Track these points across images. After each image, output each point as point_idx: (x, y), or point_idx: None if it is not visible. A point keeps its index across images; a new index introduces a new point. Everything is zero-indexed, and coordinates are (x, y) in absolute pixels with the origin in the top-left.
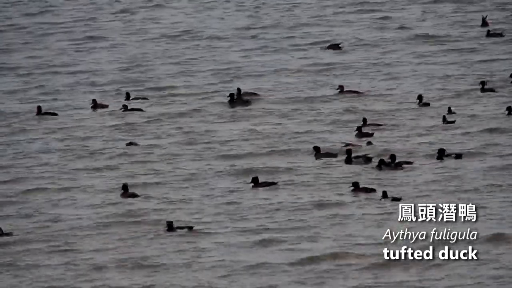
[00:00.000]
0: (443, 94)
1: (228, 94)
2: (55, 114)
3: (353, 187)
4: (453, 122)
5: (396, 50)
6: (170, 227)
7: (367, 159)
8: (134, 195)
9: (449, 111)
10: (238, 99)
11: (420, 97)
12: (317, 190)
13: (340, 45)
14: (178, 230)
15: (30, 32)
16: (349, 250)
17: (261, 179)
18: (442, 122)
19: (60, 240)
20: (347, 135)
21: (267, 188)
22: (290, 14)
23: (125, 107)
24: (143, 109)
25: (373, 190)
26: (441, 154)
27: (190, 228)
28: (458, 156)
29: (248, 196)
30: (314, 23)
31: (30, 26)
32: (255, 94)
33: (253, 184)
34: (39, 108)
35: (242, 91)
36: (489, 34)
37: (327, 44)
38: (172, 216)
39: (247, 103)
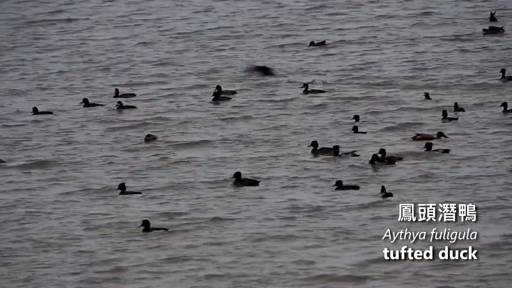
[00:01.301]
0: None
1: (212, 93)
2: (51, 113)
3: (336, 186)
4: (455, 119)
5: (387, 47)
6: (146, 226)
7: (354, 155)
8: (134, 193)
9: (456, 107)
10: (219, 96)
11: (426, 94)
12: (311, 189)
13: (325, 42)
14: (154, 231)
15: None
16: (349, 250)
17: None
18: (441, 118)
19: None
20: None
21: (250, 186)
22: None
23: (120, 105)
24: (137, 106)
25: (356, 188)
26: (429, 149)
27: (166, 229)
28: (446, 151)
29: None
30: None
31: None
32: (233, 92)
33: (235, 179)
34: (35, 109)
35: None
36: (487, 31)
37: (313, 41)
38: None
39: (228, 100)
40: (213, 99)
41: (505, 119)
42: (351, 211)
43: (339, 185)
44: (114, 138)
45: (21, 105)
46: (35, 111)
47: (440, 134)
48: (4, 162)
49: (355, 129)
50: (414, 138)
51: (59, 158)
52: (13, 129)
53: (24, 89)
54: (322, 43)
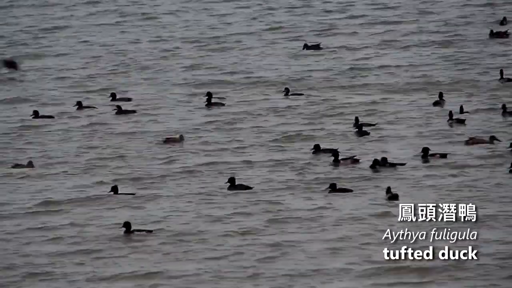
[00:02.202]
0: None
1: (205, 100)
2: (52, 117)
3: (330, 189)
4: (463, 121)
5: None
6: (127, 228)
7: (354, 161)
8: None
9: (461, 110)
10: (211, 101)
11: (440, 95)
12: (310, 191)
13: (320, 45)
14: (136, 233)
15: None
16: (348, 251)
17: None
18: (448, 120)
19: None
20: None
21: (244, 191)
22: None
23: (118, 108)
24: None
25: (349, 191)
26: (426, 154)
27: (150, 231)
28: (443, 156)
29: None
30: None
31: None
32: (222, 98)
33: (229, 184)
34: (35, 112)
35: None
36: (492, 34)
37: (307, 44)
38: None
39: (221, 105)
40: (206, 105)
41: (505, 121)
42: (351, 209)
43: (333, 188)
44: (124, 142)
45: (24, 110)
46: (36, 114)
47: (493, 138)
48: (33, 166)
49: (359, 129)
50: (467, 143)
51: (75, 163)
52: (17, 133)
53: (25, 92)
54: (317, 47)
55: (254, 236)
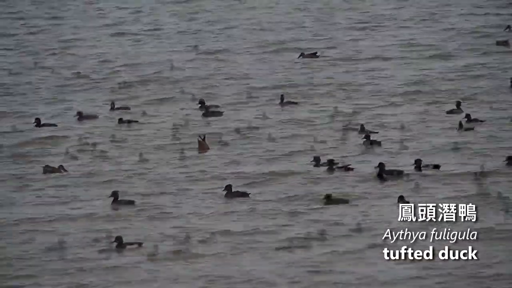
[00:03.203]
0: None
1: (200, 107)
2: (55, 125)
3: (325, 200)
4: (471, 129)
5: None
6: (119, 242)
7: (348, 169)
8: (129, 203)
9: (468, 118)
10: (206, 110)
11: (458, 103)
12: (311, 195)
13: (317, 54)
14: (128, 246)
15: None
16: (349, 252)
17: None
18: (457, 129)
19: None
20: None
21: (241, 198)
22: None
23: (120, 120)
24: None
25: (345, 202)
26: (419, 165)
27: (140, 244)
28: (436, 166)
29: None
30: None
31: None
32: (217, 106)
33: (226, 191)
34: (38, 120)
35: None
36: (498, 43)
37: (304, 53)
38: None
39: (219, 114)
40: (203, 114)
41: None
42: (352, 210)
43: (328, 199)
44: (129, 150)
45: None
46: (38, 122)
47: None
48: (66, 171)
49: (367, 138)
50: None
51: (91, 173)
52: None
53: (28, 100)
54: (313, 55)
55: (264, 251)
